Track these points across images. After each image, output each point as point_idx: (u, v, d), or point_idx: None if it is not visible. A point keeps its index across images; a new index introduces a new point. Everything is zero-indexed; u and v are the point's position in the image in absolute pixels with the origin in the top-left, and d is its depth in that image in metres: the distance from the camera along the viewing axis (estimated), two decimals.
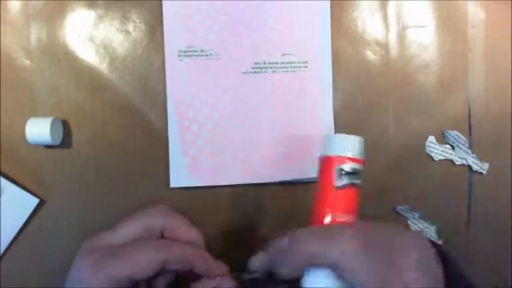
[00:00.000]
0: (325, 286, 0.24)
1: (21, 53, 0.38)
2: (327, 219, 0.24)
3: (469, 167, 0.40)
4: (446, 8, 0.39)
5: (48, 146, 0.38)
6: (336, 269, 0.24)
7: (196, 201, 0.39)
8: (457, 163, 0.39)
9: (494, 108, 0.39)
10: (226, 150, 0.38)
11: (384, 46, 0.39)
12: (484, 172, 0.39)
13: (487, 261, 0.40)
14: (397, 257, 0.24)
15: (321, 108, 0.39)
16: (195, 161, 0.38)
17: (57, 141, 0.37)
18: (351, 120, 0.39)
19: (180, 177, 0.38)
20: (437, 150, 0.39)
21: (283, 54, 0.38)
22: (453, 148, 0.39)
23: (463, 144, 0.39)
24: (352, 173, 0.24)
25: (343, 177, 0.24)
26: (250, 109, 0.38)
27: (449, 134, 0.39)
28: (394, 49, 0.39)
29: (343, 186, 0.24)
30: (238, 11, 0.38)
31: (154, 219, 0.28)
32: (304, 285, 0.24)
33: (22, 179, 0.38)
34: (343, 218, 0.24)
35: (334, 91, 0.39)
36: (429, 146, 0.39)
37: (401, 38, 0.39)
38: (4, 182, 0.37)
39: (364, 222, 0.26)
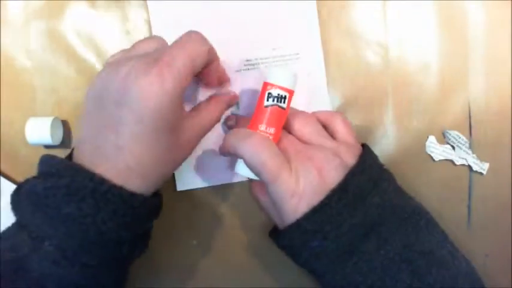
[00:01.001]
0: (244, 174, 0.32)
1: (21, 53, 0.38)
2: (254, 128, 0.32)
3: (469, 167, 0.40)
4: (446, 8, 0.39)
5: (48, 146, 0.38)
6: (245, 161, 0.31)
7: (205, 201, 0.39)
8: (457, 163, 0.39)
9: (494, 108, 0.39)
10: None
11: (384, 46, 0.39)
12: (484, 172, 0.39)
13: (487, 261, 0.40)
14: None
15: (317, 97, 0.39)
16: (199, 162, 0.38)
17: (57, 141, 0.37)
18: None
19: (185, 179, 0.38)
20: (437, 151, 0.39)
21: (274, 49, 0.38)
22: (453, 148, 0.39)
23: (463, 145, 0.39)
24: (277, 97, 0.32)
25: (270, 99, 0.32)
26: (248, 106, 0.38)
27: (450, 134, 0.39)
28: (394, 49, 0.39)
29: (269, 106, 0.32)
30: (224, 11, 0.38)
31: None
32: (234, 170, 0.33)
33: (22, 179, 0.38)
34: (265, 128, 0.32)
35: (334, 91, 0.39)
36: (429, 146, 0.39)
37: (401, 38, 0.39)
38: (4, 182, 0.37)
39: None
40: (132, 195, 0.27)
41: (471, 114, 0.39)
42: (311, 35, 0.38)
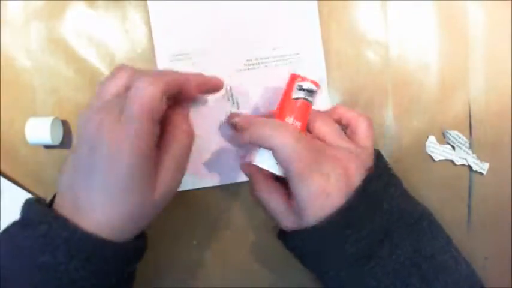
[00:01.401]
0: (266, 167, 0.31)
1: (21, 53, 0.38)
2: (281, 120, 0.31)
3: (469, 167, 0.40)
4: (446, 8, 0.39)
5: (48, 146, 0.38)
6: (275, 153, 0.29)
7: (205, 201, 0.39)
8: (457, 163, 0.39)
9: (494, 108, 0.39)
10: (226, 149, 0.38)
11: (384, 46, 0.39)
12: (484, 172, 0.39)
13: (486, 264, 0.40)
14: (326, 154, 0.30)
15: (317, 97, 0.38)
16: (199, 163, 0.38)
17: (57, 141, 0.37)
18: None
19: (185, 179, 0.38)
20: (437, 150, 0.39)
21: (274, 49, 0.38)
22: (453, 148, 0.39)
23: (463, 144, 0.39)
24: (307, 90, 0.31)
25: (299, 91, 0.31)
26: (248, 105, 0.38)
27: (450, 134, 0.39)
28: (394, 48, 0.39)
29: (298, 98, 0.31)
30: (224, 11, 0.38)
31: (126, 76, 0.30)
32: (254, 162, 0.32)
33: (22, 179, 0.38)
34: (293, 121, 0.31)
35: (334, 91, 0.39)
36: (430, 146, 0.39)
37: (402, 37, 0.39)
38: (4, 182, 0.37)
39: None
40: (105, 242, 0.27)
41: (471, 114, 0.40)
42: (311, 35, 0.38)
